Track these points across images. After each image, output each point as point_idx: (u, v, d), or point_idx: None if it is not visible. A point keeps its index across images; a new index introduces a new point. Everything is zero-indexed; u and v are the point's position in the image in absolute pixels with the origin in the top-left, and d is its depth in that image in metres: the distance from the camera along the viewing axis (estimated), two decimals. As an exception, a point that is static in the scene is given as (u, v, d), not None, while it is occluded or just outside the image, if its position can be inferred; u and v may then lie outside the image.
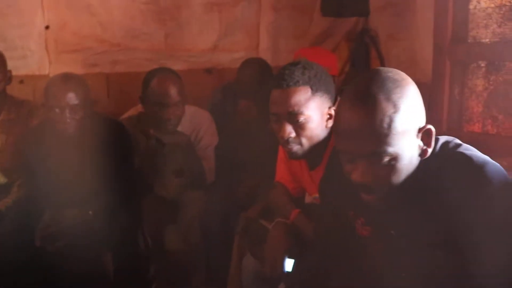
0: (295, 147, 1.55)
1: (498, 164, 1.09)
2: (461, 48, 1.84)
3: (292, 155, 1.58)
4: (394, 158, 1.05)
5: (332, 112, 1.55)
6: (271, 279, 1.56)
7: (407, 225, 1.16)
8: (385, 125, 1.03)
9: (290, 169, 1.82)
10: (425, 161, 1.11)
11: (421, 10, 2.28)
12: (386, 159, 1.05)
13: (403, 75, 1.11)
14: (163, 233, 2.32)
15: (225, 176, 2.49)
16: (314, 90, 1.51)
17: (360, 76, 1.15)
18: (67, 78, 2.05)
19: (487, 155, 1.10)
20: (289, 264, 1.54)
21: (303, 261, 1.48)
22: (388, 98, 1.04)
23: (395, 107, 1.03)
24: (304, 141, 1.53)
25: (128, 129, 2.21)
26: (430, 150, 1.10)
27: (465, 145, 1.14)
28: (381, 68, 1.15)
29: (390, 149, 1.04)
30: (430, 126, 1.09)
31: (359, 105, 1.05)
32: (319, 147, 1.57)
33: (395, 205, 1.16)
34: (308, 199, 1.81)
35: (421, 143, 1.09)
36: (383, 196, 1.11)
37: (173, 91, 2.18)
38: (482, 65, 1.80)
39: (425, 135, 1.09)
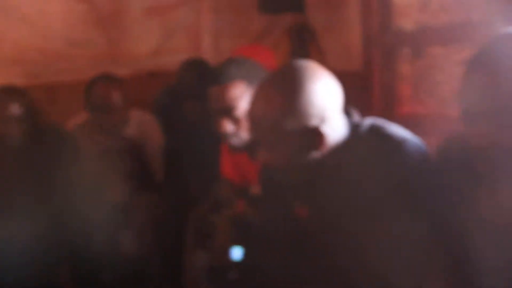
0: (235, 141, 1.59)
1: (418, 141, 1.17)
2: (387, 36, 1.95)
3: (233, 149, 1.63)
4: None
5: None
6: (220, 269, 1.60)
7: (340, 202, 1.22)
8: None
9: (234, 163, 1.87)
10: (352, 140, 1.18)
11: (353, 2, 2.39)
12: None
13: (315, 71, 1.18)
14: (116, 239, 2.33)
15: (175, 178, 2.51)
16: (250, 84, 1.56)
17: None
18: (8, 90, 2.04)
19: (417, 135, 1.18)
20: (237, 253, 1.59)
21: (250, 249, 1.52)
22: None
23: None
24: (243, 134, 1.57)
25: (75, 137, 2.22)
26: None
27: (388, 124, 1.22)
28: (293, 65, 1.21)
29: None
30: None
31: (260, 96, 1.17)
32: None
33: (327, 183, 1.23)
34: (254, 190, 1.86)
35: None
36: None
37: (115, 96, 2.20)
38: (407, 51, 1.91)
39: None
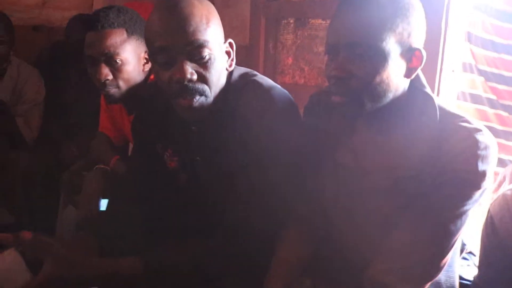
0: (112, 90, 1.53)
1: (285, 90, 1.22)
2: (274, 5, 1.99)
3: (109, 99, 1.56)
4: (210, 57, 1.12)
5: (147, 57, 1.57)
6: (86, 220, 1.55)
7: (210, 151, 1.23)
8: (204, 20, 1.10)
9: (111, 117, 1.81)
10: (224, 89, 1.19)
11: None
12: (205, 54, 1.10)
13: None
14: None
15: (53, 137, 2.39)
16: (130, 33, 1.51)
17: None
18: None
19: (297, 103, 1.21)
20: (104, 205, 1.55)
21: (116, 200, 1.49)
22: (201, 3, 1.13)
23: (208, 9, 1.14)
24: (121, 83, 1.52)
25: None
26: (234, 63, 1.22)
27: (259, 75, 1.25)
28: None
29: (206, 43, 1.10)
30: (230, 40, 1.21)
31: (175, 6, 1.10)
32: (136, 91, 1.58)
33: (198, 131, 1.23)
34: (131, 147, 1.82)
35: (227, 57, 1.20)
36: (199, 104, 1.14)
37: None
38: (291, 21, 1.97)
39: (230, 47, 1.21)
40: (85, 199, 1.58)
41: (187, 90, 1.12)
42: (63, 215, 1.86)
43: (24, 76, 2.27)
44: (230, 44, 1.21)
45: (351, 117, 1.12)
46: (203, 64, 1.12)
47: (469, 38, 1.94)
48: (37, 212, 2.20)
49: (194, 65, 1.12)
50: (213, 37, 1.13)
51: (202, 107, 1.15)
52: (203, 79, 1.13)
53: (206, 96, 1.14)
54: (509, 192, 1.32)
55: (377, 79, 1.00)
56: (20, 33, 2.43)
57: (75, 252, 1.10)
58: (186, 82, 1.11)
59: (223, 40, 1.19)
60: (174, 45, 1.10)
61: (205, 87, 1.14)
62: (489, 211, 1.33)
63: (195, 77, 1.12)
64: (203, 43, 1.10)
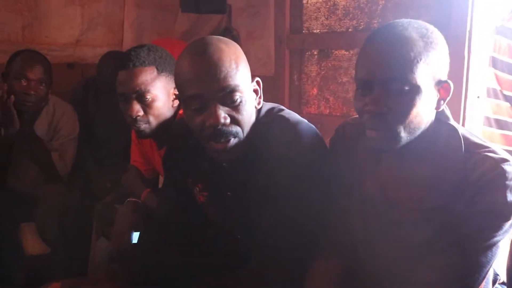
0: (143, 126, 1.58)
1: (311, 124, 1.24)
2: (297, 38, 2.04)
3: (140, 134, 1.62)
4: (241, 100, 1.14)
5: (177, 92, 1.62)
6: (119, 253, 1.59)
7: (240, 186, 1.25)
8: (233, 65, 1.12)
9: (142, 151, 1.86)
10: (253, 126, 1.21)
11: (273, 8, 2.47)
12: (237, 97, 1.13)
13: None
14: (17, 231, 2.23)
15: (87, 171, 2.47)
16: (160, 70, 1.57)
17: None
18: None
19: (322, 133, 1.24)
20: (136, 238, 1.59)
21: (148, 233, 1.53)
22: (228, 46, 1.15)
23: (235, 53, 1.15)
24: (151, 119, 1.57)
25: None
26: (261, 101, 1.24)
27: (286, 110, 1.28)
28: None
29: (237, 87, 1.12)
30: (258, 78, 1.23)
31: (203, 52, 1.12)
32: (166, 126, 1.63)
33: (228, 167, 1.25)
34: (161, 180, 1.87)
35: (255, 95, 1.22)
36: (232, 146, 1.16)
37: (37, 66, 2.18)
38: (315, 53, 2.01)
39: (257, 85, 1.23)
40: (118, 232, 1.63)
41: (221, 134, 1.15)
42: (96, 247, 1.91)
43: (59, 113, 2.35)
44: (258, 82, 1.24)
45: (386, 151, 1.12)
46: (235, 107, 1.14)
47: (494, 63, 1.94)
48: (71, 244, 2.25)
49: (226, 108, 1.14)
50: (243, 79, 1.15)
51: (235, 148, 1.18)
52: (236, 121, 1.16)
53: (239, 137, 1.17)
54: None
55: (414, 112, 1.01)
56: (56, 70, 2.54)
57: None
58: (220, 127, 1.13)
59: (250, 79, 1.21)
60: (207, 92, 1.12)
61: (238, 129, 1.16)
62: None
63: (228, 121, 1.14)
64: (234, 87, 1.13)
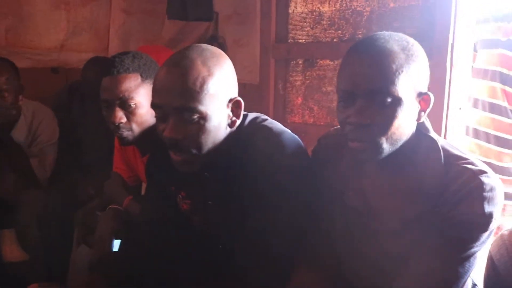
0: (126, 133, 1.56)
1: (294, 135, 1.24)
2: (283, 47, 2.05)
3: (123, 141, 1.60)
4: (203, 118, 1.11)
5: None
6: (99, 261, 1.57)
7: (222, 195, 1.25)
8: (198, 84, 1.10)
9: (125, 158, 1.85)
10: (235, 133, 1.21)
11: (259, 16, 2.48)
12: (195, 116, 1.11)
13: (221, 51, 1.21)
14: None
15: (69, 176, 2.44)
16: (144, 77, 1.56)
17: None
18: None
19: (306, 142, 1.24)
20: (116, 245, 1.58)
21: (130, 241, 1.52)
22: (204, 63, 1.12)
23: (209, 71, 1.12)
24: (134, 126, 1.55)
25: None
26: (238, 121, 1.20)
27: (270, 120, 1.27)
28: (201, 44, 1.22)
29: (200, 107, 1.10)
30: (239, 98, 1.19)
31: (176, 65, 1.12)
32: (149, 134, 1.62)
33: (210, 177, 1.25)
34: (144, 187, 1.86)
35: (231, 114, 1.18)
36: (191, 159, 1.16)
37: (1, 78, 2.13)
38: (300, 62, 2.02)
39: (234, 106, 1.18)
40: (98, 239, 1.61)
41: (176, 148, 1.15)
42: (77, 254, 1.89)
43: (39, 118, 2.32)
44: (237, 102, 1.19)
45: (369, 161, 1.13)
46: (192, 125, 1.13)
47: (503, 79, 1.87)
48: (51, 251, 2.21)
49: (184, 125, 1.12)
50: (207, 100, 1.12)
51: (191, 163, 1.18)
52: (192, 139, 1.14)
53: (193, 155, 1.16)
54: (506, 232, 1.33)
55: (396, 124, 1.02)
56: (40, 74, 2.53)
57: None
58: (174, 142, 1.13)
59: (226, 98, 1.17)
60: (166, 105, 1.12)
61: (193, 147, 1.15)
62: (489, 251, 1.33)
63: (181, 137, 1.13)
64: (192, 107, 1.10)
